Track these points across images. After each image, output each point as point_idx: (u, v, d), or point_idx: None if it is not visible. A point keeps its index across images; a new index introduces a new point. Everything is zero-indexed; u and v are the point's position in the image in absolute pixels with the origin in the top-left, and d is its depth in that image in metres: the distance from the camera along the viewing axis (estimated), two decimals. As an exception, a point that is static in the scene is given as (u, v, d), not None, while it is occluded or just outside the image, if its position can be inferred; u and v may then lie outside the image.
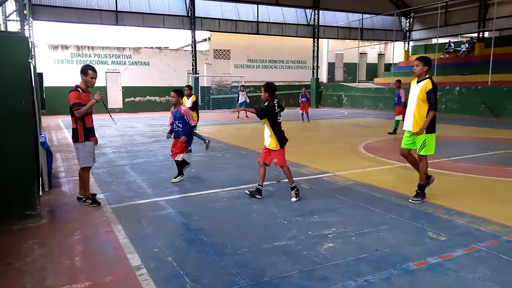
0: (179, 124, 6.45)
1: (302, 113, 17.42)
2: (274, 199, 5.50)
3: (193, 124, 6.51)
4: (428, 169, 5.37)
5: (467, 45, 27.24)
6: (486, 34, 26.59)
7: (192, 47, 24.70)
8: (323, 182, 6.43)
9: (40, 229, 4.43)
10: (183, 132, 6.42)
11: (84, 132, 5.15)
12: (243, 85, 21.29)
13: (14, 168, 4.51)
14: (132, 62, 24.72)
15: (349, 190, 5.90)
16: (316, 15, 27.88)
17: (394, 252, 3.69)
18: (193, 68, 24.69)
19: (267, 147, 5.61)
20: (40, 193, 5.03)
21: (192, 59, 24.65)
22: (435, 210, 4.89)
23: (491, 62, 19.81)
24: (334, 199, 5.47)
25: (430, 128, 5.17)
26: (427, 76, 5.20)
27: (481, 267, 3.36)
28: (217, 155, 9.06)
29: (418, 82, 5.24)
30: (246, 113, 19.58)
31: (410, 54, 32.04)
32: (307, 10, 28.39)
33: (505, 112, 18.05)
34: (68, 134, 12.46)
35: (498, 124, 15.24)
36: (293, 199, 5.38)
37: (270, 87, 5.51)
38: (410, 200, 5.24)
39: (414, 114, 5.20)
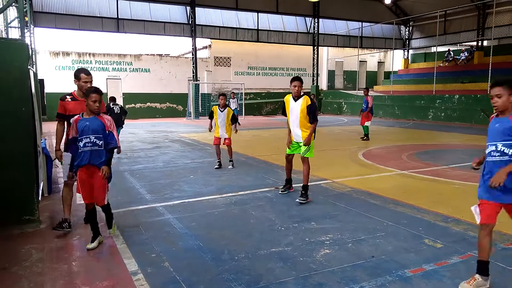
0: (96, 140, 4.04)
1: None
2: (272, 205, 5.52)
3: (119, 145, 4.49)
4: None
5: (466, 54, 27.39)
6: (485, 43, 26.75)
7: (192, 55, 24.86)
8: (321, 189, 6.45)
9: (39, 234, 4.44)
10: (106, 158, 4.15)
11: (66, 143, 4.43)
12: (233, 93, 21.25)
13: (13, 173, 4.54)
14: (133, 69, 24.86)
15: (347, 197, 5.92)
16: (316, 23, 28.09)
17: (390, 259, 3.70)
18: (193, 75, 24.82)
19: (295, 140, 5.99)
20: (39, 199, 5.05)
21: (193, 66, 24.79)
22: (432, 217, 4.91)
23: (490, 71, 19.91)
24: (331, 205, 5.49)
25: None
26: (303, 93, 5.90)
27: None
28: (216, 161, 9.07)
29: (296, 100, 5.93)
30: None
31: (409, 62, 32.23)
32: (307, 18, 28.61)
33: (504, 120, 18.08)
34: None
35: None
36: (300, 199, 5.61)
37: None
38: (298, 200, 5.62)
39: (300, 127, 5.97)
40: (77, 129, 4.00)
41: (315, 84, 28.74)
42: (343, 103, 28.24)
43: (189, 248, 4.04)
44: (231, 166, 8.30)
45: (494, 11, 22.38)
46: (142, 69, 25.14)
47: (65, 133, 4.50)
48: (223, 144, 8.45)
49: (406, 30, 31.63)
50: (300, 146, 5.89)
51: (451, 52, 28.13)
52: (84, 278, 3.39)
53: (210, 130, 8.78)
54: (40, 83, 12.19)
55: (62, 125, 4.53)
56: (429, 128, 17.82)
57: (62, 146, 4.65)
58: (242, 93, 26.28)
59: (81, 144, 3.99)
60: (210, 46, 27.07)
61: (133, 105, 24.81)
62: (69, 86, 4.33)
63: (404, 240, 4.19)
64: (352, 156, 9.73)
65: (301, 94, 5.81)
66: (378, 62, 34.39)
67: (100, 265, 3.67)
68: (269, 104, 29.42)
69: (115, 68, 24.39)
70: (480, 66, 24.51)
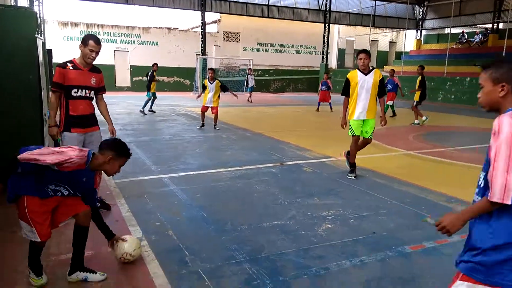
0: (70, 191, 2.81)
1: (320, 103, 15.65)
2: (276, 180, 5.55)
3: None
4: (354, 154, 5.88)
5: (480, 36, 26.74)
6: (501, 26, 26.05)
7: (201, 29, 24.54)
8: (326, 166, 6.46)
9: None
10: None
11: (64, 119, 3.98)
12: (250, 68, 21.03)
13: (20, 142, 4.58)
14: (141, 41, 24.66)
15: (351, 175, 5.92)
16: (328, 0, 27.46)
17: (391, 236, 3.73)
18: (201, 50, 24.58)
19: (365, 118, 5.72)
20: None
21: (201, 41, 24.52)
22: (436, 198, 4.91)
23: (504, 54, 19.46)
24: (335, 183, 5.51)
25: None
26: (372, 67, 5.66)
27: (477, 253, 3.39)
28: (222, 136, 9.11)
29: (366, 74, 5.62)
30: (250, 97, 19.60)
31: (422, 43, 31.58)
32: (319, -6, 27.97)
33: (515, 105, 17.80)
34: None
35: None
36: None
37: None
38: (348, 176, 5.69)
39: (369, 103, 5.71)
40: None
41: (324, 62, 28.35)
42: (352, 82, 27.87)
43: (193, 218, 4.10)
44: (218, 129, 9.96)
45: (513, -8, 21.68)
46: (150, 42, 24.93)
47: (64, 109, 3.99)
48: (212, 113, 10.08)
49: (420, 10, 30.84)
50: (364, 124, 5.74)
51: (465, 35, 27.48)
52: (89, 243, 3.45)
53: (197, 99, 11.16)
54: (48, 53, 12.14)
55: (58, 97, 3.95)
56: (438, 110, 17.61)
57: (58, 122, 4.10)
58: (251, 69, 26.04)
59: (51, 186, 2.68)
60: (219, 20, 26.68)
61: (140, 78, 24.71)
62: (77, 56, 4.15)
63: (406, 218, 4.21)
64: (358, 136, 9.68)
65: (370, 67, 5.60)
66: (390, 42, 33.73)
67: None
68: (277, 81, 29.17)
69: (123, 40, 24.20)
70: (494, 49, 23.94)
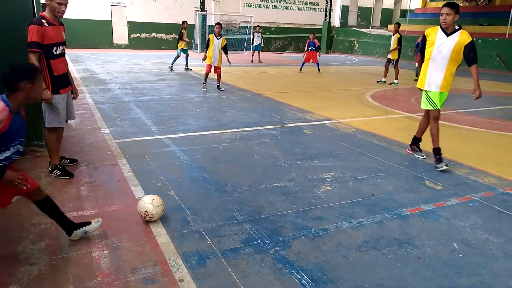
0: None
1: (303, 63, 15.03)
2: (276, 142, 5.56)
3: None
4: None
5: (489, -6, 25.83)
6: (511, -17, 25.07)
7: (200, -17, 23.65)
8: (327, 129, 6.45)
9: (47, 159, 4.54)
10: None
11: (50, 81, 3.83)
12: (258, 26, 20.15)
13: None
14: (138, -4, 23.84)
15: (351, 137, 5.93)
16: (333, -47, 26.27)
17: (390, 198, 3.79)
18: (200, 5, 23.84)
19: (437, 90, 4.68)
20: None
21: (200, -5, 23.71)
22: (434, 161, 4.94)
23: (511, 13, 18.90)
24: (335, 145, 5.52)
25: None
26: (459, 26, 4.48)
27: (473, 216, 3.47)
28: (222, 97, 9.03)
29: (448, 34, 4.50)
30: (258, 56, 18.70)
31: (428, 1, 30.58)
32: None
33: (520, 67, 17.56)
34: (73, 67, 12.36)
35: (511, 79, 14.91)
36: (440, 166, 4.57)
37: None
38: (437, 168, 4.58)
39: (445, 72, 4.58)
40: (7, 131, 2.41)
41: (327, 20, 27.58)
42: (355, 41, 27.29)
43: (194, 179, 4.14)
44: (222, 89, 9.75)
45: None
46: (147, -4, 24.10)
47: (46, 70, 3.77)
48: (214, 72, 9.71)
49: (429, -36, 29.61)
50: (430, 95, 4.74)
51: (472, -8, 26.55)
52: (92, 202, 3.52)
53: (203, 61, 10.02)
54: (43, 8, 11.73)
55: (38, 58, 3.67)
56: (441, 72, 17.35)
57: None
58: (251, 26, 25.37)
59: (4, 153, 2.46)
60: (219, -26, 25.67)
61: (138, 34, 24.14)
62: (72, 11, 3.92)
63: (405, 181, 4.26)
64: (360, 97, 9.60)
65: (456, 27, 4.51)
66: (395, -1, 32.66)
67: (108, 191, 3.79)
68: (278, 40, 28.52)
69: (120, -6, 23.39)
70: (501, 7, 23.20)
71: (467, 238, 3.10)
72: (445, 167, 4.53)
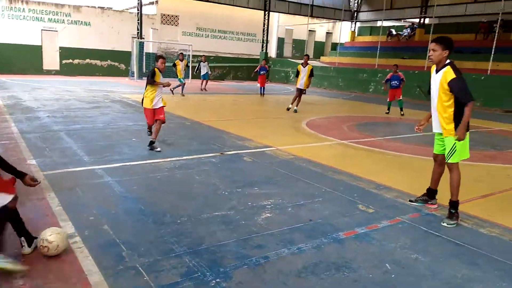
0: None
1: (261, 88, 17.49)
2: (216, 170, 5.54)
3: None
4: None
5: (409, 30, 28.53)
6: (427, 21, 27.96)
7: (138, 10, 23.44)
8: (266, 156, 6.57)
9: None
10: None
11: None
12: (204, 56, 20.41)
13: None
14: (72, 21, 23.00)
15: (289, 164, 6.09)
16: (268, -12, 27.55)
17: (326, 223, 3.91)
18: (138, 33, 23.53)
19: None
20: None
21: (138, 23, 23.44)
22: (366, 185, 5.22)
23: (428, 48, 20.94)
24: (275, 172, 5.63)
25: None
26: (448, 62, 4.05)
27: (403, 237, 3.68)
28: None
29: (437, 71, 4.13)
30: (205, 85, 18.93)
31: (356, 35, 32.98)
32: (259, -18, 27.96)
33: (437, 96, 19.31)
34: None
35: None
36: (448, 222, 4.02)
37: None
38: (445, 224, 4.00)
39: (438, 111, 4.18)
40: None
41: (264, 50, 28.56)
42: (290, 72, 28.46)
43: (129, 211, 3.97)
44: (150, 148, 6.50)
45: (437, -10, 23.34)
46: (81, 22, 23.34)
47: None
48: (158, 118, 6.76)
49: (355, 2, 32.08)
50: (443, 141, 4.23)
51: (392, 30, 29.14)
52: (16, 240, 3.22)
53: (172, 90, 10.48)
54: None
55: None
56: (369, 101, 18.63)
57: None
58: (189, 55, 25.49)
59: None
60: (157, 2, 25.68)
61: (70, 60, 23.16)
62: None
63: (340, 205, 4.43)
64: (296, 125, 9.95)
65: (445, 62, 4.04)
66: (327, 32, 34.77)
67: (34, 227, 3.47)
68: (217, 69, 28.88)
69: (52, 19, 22.38)
70: (420, 43, 25.68)
71: (398, 258, 3.27)
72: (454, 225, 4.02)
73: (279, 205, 4.32)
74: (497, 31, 18.88)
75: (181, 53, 17.54)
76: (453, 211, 4.06)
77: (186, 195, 4.52)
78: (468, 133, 3.99)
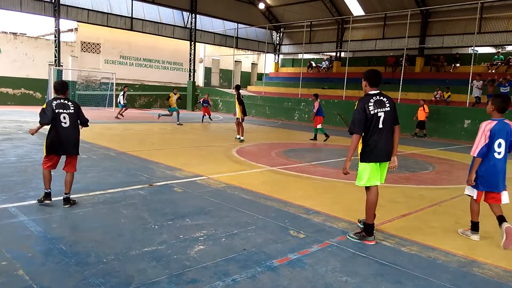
0: None
1: (203, 116, 19.99)
2: (145, 203, 5.33)
3: None
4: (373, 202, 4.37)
5: (327, 62, 30.60)
6: (343, 54, 30.25)
7: (55, 37, 22.30)
8: (197, 185, 6.47)
9: None
10: None
11: None
12: (126, 87, 20.39)
13: None
14: (-22, 46, 21.17)
15: (221, 193, 6.06)
16: (193, 19, 27.98)
17: (260, 251, 3.92)
18: (55, 60, 22.32)
19: None
20: None
21: (55, 50, 22.26)
22: (296, 210, 5.36)
23: (345, 79, 22.62)
24: (206, 201, 5.56)
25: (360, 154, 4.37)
26: (367, 93, 4.37)
27: (333, 260, 3.81)
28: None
29: None
30: (121, 113, 18.63)
31: (279, 66, 34.54)
32: (184, 13, 28.30)
33: (356, 123, 20.76)
34: None
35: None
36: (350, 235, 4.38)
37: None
38: (348, 236, 4.40)
39: None
40: None
41: (191, 79, 28.63)
42: (219, 100, 28.77)
43: (48, 253, 3.63)
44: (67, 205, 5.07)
45: (351, 27, 25.50)
46: (-10, 47, 21.57)
47: None
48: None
49: (277, 36, 33.77)
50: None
51: (313, 63, 31.09)
52: None
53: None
54: None
55: None
56: (295, 128, 19.42)
57: None
58: (113, 83, 24.66)
59: None
60: (76, 29, 24.68)
61: (-23, 89, 21.15)
62: None
63: (272, 232, 4.48)
64: (226, 153, 9.99)
65: (366, 93, 4.35)
66: (252, 63, 35.97)
67: None
68: (143, 97, 28.27)
69: (-47, 43, 20.41)
70: (338, 74, 27.63)
71: (330, 282, 3.37)
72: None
73: (212, 236, 4.25)
74: (403, 65, 21.02)
75: (175, 88, 19.78)
76: (361, 230, 4.41)
77: (112, 232, 4.26)
78: (369, 164, 4.27)
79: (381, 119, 4.20)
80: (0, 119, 14.76)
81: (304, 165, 8.92)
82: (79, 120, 5.21)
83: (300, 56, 32.09)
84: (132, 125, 15.86)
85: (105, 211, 4.94)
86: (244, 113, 12.91)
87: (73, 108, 5.10)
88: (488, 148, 4.30)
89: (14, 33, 22.98)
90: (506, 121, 4.35)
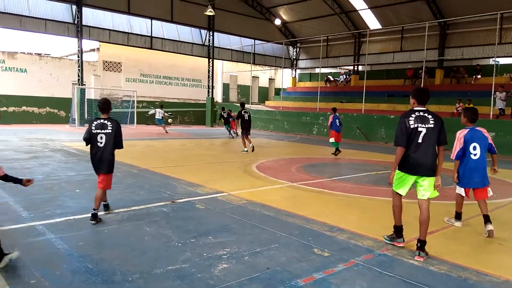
0: None
1: (230, 130, 20.94)
2: (167, 220, 5.36)
3: None
4: (397, 211, 4.72)
5: (345, 76, 30.56)
6: (360, 68, 30.18)
7: (78, 57, 23.02)
8: (218, 202, 6.49)
9: None
10: None
11: None
12: (162, 106, 21.93)
13: None
14: (6, 68, 22.00)
15: (242, 209, 6.05)
16: (211, 36, 28.48)
17: (284, 270, 3.88)
18: (79, 79, 22.98)
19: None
20: None
21: (78, 69, 22.95)
22: (319, 227, 5.30)
23: (364, 93, 22.49)
24: (228, 218, 5.56)
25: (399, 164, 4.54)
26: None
27: (359, 280, 3.73)
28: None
29: None
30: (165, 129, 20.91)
31: (297, 81, 34.67)
32: (202, 31, 28.84)
33: (376, 137, 20.57)
34: None
35: (370, 148, 17.28)
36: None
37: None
38: (384, 237, 4.81)
39: None
40: None
41: (210, 96, 28.98)
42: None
43: (75, 271, 3.68)
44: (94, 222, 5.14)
45: (368, 40, 25.47)
46: (17, 68, 22.38)
47: None
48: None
49: (294, 51, 33.99)
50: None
51: (330, 77, 31.11)
52: None
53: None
54: None
55: None
56: (314, 143, 19.32)
57: None
58: (134, 101, 25.18)
59: None
60: (98, 49, 25.43)
61: (5, 108, 21.90)
62: None
63: (295, 250, 4.44)
64: (246, 169, 10.01)
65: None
66: (269, 78, 36.21)
67: (-37, 298, 3.12)
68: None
69: (-17, 65, 21.28)
70: (356, 88, 27.53)
71: (357, 301, 3.30)
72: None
73: (235, 254, 4.24)
74: (422, 77, 20.79)
75: (229, 110, 21.86)
76: (393, 232, 4.76)
77: (137, 249, 4.30)
78: (403, 173, 4.49)
79: (421, 134, 4.35)
80: (27, 138, 15.20)
81: (325, 181, 8.85)
82: (115, 140, 5.33)
83: (317, 70, 32.15)
84: (153, 142, 16.08)
85: (130, 228, 4.99)
86: (243, 127, 13.81)
87: (111, 128, 5.27)
88: (464, 152, 5.27)
89: (39, 54, 23.84)
90: (478, 128, 5.32)
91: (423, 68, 21.47)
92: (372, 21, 27.11)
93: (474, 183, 5.29)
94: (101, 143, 5.23)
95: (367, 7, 26.14)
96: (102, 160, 5.29)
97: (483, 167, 5.27)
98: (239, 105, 14.35)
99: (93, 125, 5.28)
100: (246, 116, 13.82)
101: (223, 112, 21.67)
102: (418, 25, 23.19)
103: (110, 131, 5.26)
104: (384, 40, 27.66)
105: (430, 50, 23.06)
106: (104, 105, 5.37)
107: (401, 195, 4.61)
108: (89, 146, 5.34)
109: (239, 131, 19.30)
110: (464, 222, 5.82)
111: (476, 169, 5.23)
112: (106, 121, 5.30)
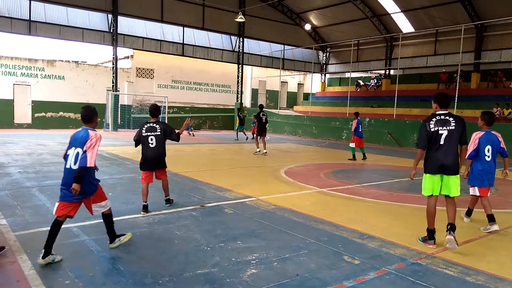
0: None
1: (253, 135, 19.86)
2: (197, 224, 5.42)
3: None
4: (429, 212, 4.90)
5: (375, 81, 30.02)
6: (392, 72, 29.56)
7: (113, 64, 23.77)
8: (247, 207, 6.50)
9: None
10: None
11: None
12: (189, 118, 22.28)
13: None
14: (45, 75, 22.99)
15: (271, 215, 6.03)
16: (241, 43, 28.72)
17: (313, 277, 3.83)
18: (113, 85, 23.71)
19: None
20: None
21: (113, 76, 23.69)
22: (349, 234, 5.20)
23: (396, 97, 21.99)
24: (257, 223, 5.55)
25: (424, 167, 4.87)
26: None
27: (390, 288, 3.63)
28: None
29: None
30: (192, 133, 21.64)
31: (326, 86, 34.36)
32: (232, 37, 29.13)
33: (407, 142, 20.04)
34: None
35: (402, 153, 16.85)
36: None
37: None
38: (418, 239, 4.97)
39: None
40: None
41: (239, 101, 29.19)
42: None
43: (108, 273, 3.78)
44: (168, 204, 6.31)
45: (400, 44, 24.94)
46: (55, 76, 23.34)
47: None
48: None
49: (324, 55, 33.73)
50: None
51: (360, 82, 30.63)
52: None
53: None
54: None
55: None
56: (343, 148, 19.02)
57: None
58: (165, 106, 25.71)
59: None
60: (132, 56, 26.16)
61: (43, 114, 22.88)
62: None
63: (325, 257, 4.37)
64: (274, 173, 9.98)
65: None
66: (298, 83, 36.08)
67: (3, 295, 3.26)
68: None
69: (25, 73, 22.31)
70: (387, 92, 26.97)
71: (389, 312, 3.20)
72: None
73: (264, 260, 4.22)
74: (457, 81, 20.12)
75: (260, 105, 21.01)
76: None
77: (167, 253, 4.36)
78: (427, 175, 4.82)
79: (443, 136, 4.68)
80: (63, 142, 15.80)
81: (355, 187, 8.69)
82: (171, 138, 6.00)
83: (347, 75, 31.76)
84: (182, 146, 16.34)
85: (160, 231, 5.07)
86: (259, 130, 14.30)
87: (159, 130, 5.94)
88: (477, 152, 5.54)
89: (76, 62, 24.78)
90: (493, 132, 5.61)
91: (458, 71, 20.77)
92: (404, 24, 26.54)
93: (487, 183, 5.60)
94: (152, 144, 5.90)
95: (400, 11, 25.62)
96: (156, 159, 6.00)
97: (494, 169, 5.65)
98: (276, 111, 14.75)
99: (144, 128, 5.94)
100: (263, 118, 14.38)
101: (240, 113, 22.22)
102: (453, 27, 22.51)
103: (159, 133, 5.92)
104: (417, 44, 26.99)
105: (465, 53, 22.31)
106: (154, 110, 6.01)
107: (434, 200, 4.85)
108: (136, 147, 6.16)
109: (249, 133, 20.05)
110: (502, 232, 5.57)
111: (489, 170, 5.57)
112: (155, 124, 5.97)
